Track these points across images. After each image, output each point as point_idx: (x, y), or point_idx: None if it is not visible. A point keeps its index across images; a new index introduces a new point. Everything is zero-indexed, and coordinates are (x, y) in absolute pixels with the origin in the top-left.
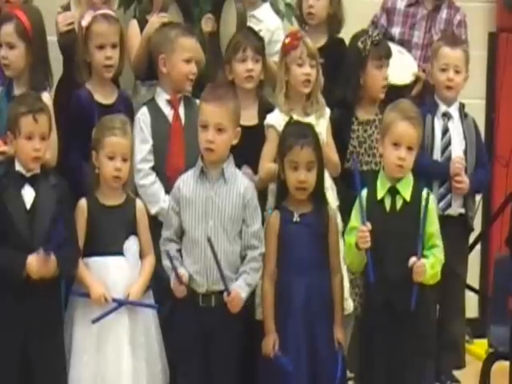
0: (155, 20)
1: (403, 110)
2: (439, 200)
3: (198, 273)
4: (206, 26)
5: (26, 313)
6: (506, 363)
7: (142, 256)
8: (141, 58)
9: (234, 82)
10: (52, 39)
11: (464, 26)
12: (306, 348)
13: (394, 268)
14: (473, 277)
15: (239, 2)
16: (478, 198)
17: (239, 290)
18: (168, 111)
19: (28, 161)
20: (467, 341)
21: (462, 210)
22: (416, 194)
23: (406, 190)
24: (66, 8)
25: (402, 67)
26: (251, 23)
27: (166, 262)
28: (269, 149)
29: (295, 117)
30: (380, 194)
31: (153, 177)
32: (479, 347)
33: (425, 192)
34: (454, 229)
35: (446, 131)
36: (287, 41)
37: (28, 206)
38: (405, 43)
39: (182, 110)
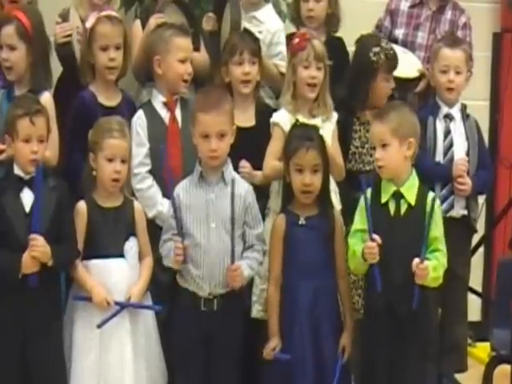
0: (152, 21)
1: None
2: (442, 202)
3: (200, 277)
4: (207, 24)
5: (25, 314)
6: (509, 367)
7: (140, 258)
8: (140, 60)
9: (231, 84)
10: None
11: (469, 28)
12: (312, 352)
13: (398, 272)
14: (476, 279)
15: (234, 8)
16: (482, 199)
17: (243, 267)
18: (164, 113)
19: (26, 163)
20: (469, 344)
21: (465, 212)
22: (421, 197)
23: (410, 194)
24: (65, 16)
25: (406, 62)
26: (252, 24)
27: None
28: (274, 146)
29: (301, 118)
30: (384, 198)
31: (150, 180)
32: (481, 351)
33: (430, 196)
34: (457, 231)
35: (448, 133)
36: (295, 42)
37: (27, 209)
38: (408, 44)
39: (178, 112)
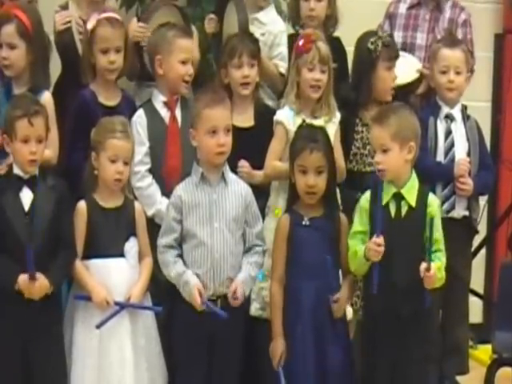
0: (133, 27)
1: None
2: (443, 202)
3: (204, 276)
4: (209, 26)
5: (26, 315)
6: (511, 370)
7: (140, 258)
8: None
9: (229, 85)
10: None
11: (469, 26)
12: (314, 352)
13: (399, 273)
14: (477, 281)
15: (241, 10)
16: (483, 201)
17: (242, 283)
18: (164, 113)
19: (25, 164)
20: (471, 346)
21: (466, 213)
22: (421, 199)
23: (411, 196)
24: (64, 7)
25: (404, 67)
26: (254, 26)
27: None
28: (275, 145)
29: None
30: (384, 200)
31: (149, 179)
32: (483, 353)
33: (430, 198)
34: (458, 231)
35: (449, 133)
36: (300, 43)
37: (26, 208)
38: (408, 46)
39: (178, 112)
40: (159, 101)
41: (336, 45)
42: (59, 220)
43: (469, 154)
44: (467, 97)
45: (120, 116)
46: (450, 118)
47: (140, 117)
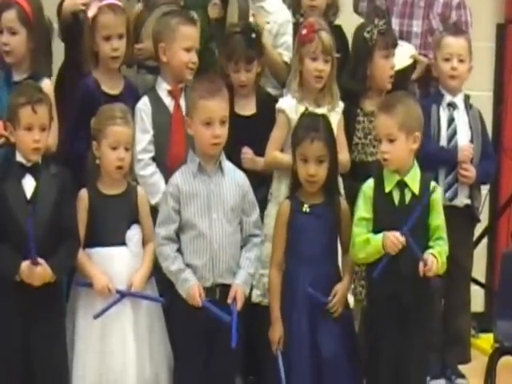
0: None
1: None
2: (446, 189)
3: (203, 267)
4: (213, 12)
5: (27, 302)
6: None
7: (144, 243)
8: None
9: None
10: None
11: (463, 8)
12: (309, 338)
13: (403, 261)
14: (479, 271)
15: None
16: (485, 190)
17: (242, 285)
18: (169, 101)
19: (28, 152)
20: (473, 335)
21: (468, 201)
22: (424, 186)
23: (414, 183)
24: None
25: (398, 54)
26: (259, 15)
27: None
28: (277, 134)
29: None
30: (388, 187)
31: (153, 167)
32: (485, 342)
33: (432, 185)
34: (460, 220)
35: (451, 121)
36: (303, 32)
37: (28, 196)
38: (404, 34)
39: (182, 101)
40: (163, 89)
41: (337, 33)
42: (62, 209)
43: (471, 142)
44: (469, 86)
45: (120, 103)
46: (452, 106)
47: (145, 104)
